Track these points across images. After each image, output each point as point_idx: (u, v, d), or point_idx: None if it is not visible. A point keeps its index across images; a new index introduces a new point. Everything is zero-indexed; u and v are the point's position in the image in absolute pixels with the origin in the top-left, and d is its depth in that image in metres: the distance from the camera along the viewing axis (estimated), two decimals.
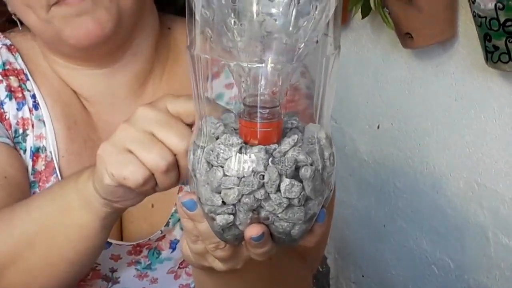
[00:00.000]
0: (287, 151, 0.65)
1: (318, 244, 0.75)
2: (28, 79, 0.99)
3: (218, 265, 0.74)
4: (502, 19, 1.21)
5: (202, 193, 0.67)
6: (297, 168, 0.65)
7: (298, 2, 0.62)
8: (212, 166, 0.66)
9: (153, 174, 0.73)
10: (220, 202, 0.66)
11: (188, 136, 0.71)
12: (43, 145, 0.97)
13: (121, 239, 1.00)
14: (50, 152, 0.97)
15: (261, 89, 0.65)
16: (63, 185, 0.83)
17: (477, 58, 1.40)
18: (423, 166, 1.63)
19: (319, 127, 0.68)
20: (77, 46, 0.91)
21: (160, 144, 0.72)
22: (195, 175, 0.68)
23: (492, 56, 1.27)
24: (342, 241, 1.94)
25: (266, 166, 0.64)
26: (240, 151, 0.65)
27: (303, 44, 0.64)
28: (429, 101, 1.57)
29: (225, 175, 0.65)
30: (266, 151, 0.65)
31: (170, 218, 0.98)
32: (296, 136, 0.66)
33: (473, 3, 1.24)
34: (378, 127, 1.72)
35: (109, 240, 0.95)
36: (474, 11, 1.26)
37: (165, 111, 0.73)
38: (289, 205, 0.65)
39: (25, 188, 0.95)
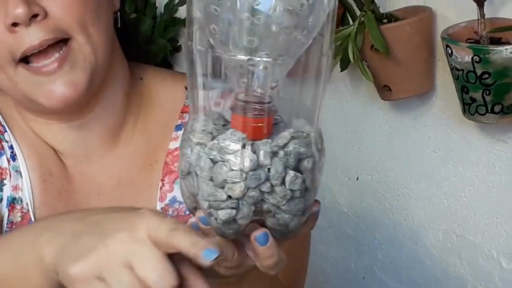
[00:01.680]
0: (288, 144, 0.67)
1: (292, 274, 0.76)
2: (5, 131, 0.99)
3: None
4: (479, 72, 1.21)
5: (204, 189, 0.67)
6: (298, 160, 0.67)
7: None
8: (217, 161, 0.66)
9: None
10: (224, 197, 0.66)
11: (169, 273, 0.69)
12: (19, 196, 0.97)
13: None
14: (27, 204, 0.96)
15: (258, 84, 0.66)
16: (21, 245, 0.80)
17: (454, 110, 1.40)
18: (402, 217, 1.62)
19: (305, 122, 0.70)
20: (51, 108, 0.91)
21: (139, 284, 0.69)
22: (195, 172, 0.67)
23: (470, 108, 1.27)
24: None
25: (271, 159, 0.66)
26: (244, 146, 0.66)
27: (301, 40, 0.65)
28: (408, 153, 1.57)
29: (231, 169, 0.66)
30: (270, 145, 0.66)
31: None
32: (291, 129, 0.68)
33: (450, 56, 1.25)
34: (357, 179, 1.71)
35: None
36: (451, 64, 1.27)
37: (147, 243, 0.70)
38: (292, 197, 0.67)
39: None
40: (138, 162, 1.03)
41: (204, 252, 0.67)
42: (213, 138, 0.68)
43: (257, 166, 0.66)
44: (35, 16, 0.86)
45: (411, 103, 1.52)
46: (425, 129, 1.51)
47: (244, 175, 0.65)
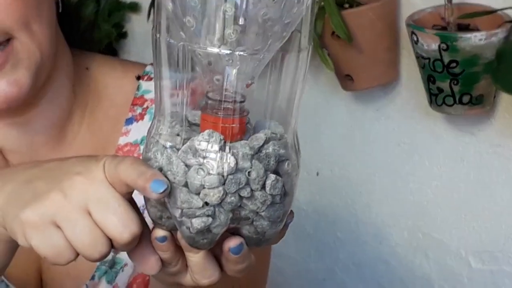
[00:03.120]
0: (265, 145, 0.65)
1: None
2: None
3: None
4: (446, 60, 1.20)
5: (177, 196, 0.64)
6: (277, 163, 0.66)
7: None
8: (192, 165, 0.64)
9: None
10: (200, 203, 0.64)
11: (132, 219, 0.65)
12: None
13: None
14: None
15: (233, 81, 0.64)
16: None
17: (420, 101, 1.39)
18: (365, 215, 1.60)
19: (277, 123, 0.67)
20: None
21: (98, 230, 0.65)
22: (165, 177, 0.65)
23: (436, 98, 1.26)
24: None
25: (251, 162, 0.64)
26: (223, 148, 0.63)
27: (278, 34, 0.63)
28: (371, 147, 1.55)
29: (209, 174, 0.63)
30: (250, 147, 0.64)
31: (95, 271, 0.95)
32: (266, 130, 0.66)
33: (416, 43, 1.23)
34: (317, 174, 1.69)
35: None
36: (417, 52, 1.25)
37: (106, 184, 0.66)
38: (272, 203, 0.65)
39: None
40: None
41: (152, 183, 0.64)
42: (183, 140, 0.65)
43: (236, 170, 0.63)
44: None
45: (374, 94, 1.49)
46: (389, 121, 1.49)
47: (222, 180, 0.63)
